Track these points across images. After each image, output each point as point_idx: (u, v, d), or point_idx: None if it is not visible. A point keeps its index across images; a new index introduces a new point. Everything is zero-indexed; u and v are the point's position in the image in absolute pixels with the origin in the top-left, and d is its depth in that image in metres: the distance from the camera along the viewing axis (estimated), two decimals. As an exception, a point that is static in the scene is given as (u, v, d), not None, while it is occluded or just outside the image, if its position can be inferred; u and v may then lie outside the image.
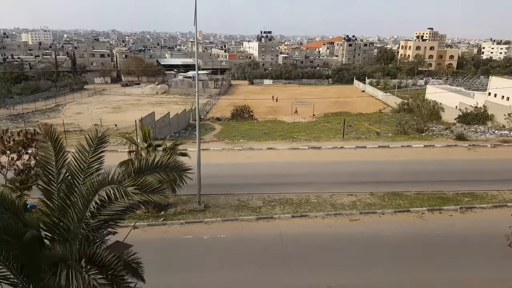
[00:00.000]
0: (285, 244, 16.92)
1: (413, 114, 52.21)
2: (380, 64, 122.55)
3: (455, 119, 46.79)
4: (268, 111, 59.85)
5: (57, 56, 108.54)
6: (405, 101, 60.14)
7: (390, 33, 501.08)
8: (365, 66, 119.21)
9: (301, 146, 32.78)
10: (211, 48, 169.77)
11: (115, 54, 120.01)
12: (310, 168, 27.06)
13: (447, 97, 56.41)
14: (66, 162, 7.65)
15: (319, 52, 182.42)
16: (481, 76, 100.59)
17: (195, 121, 24.40)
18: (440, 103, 53.67)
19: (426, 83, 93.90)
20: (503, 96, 48.82)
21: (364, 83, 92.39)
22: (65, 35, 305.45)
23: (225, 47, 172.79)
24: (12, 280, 6.34)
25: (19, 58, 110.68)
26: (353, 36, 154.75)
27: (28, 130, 21.38)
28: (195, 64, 20.08)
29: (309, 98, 72.57)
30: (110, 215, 6.86)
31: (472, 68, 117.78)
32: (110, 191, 6.42)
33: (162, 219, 18.98)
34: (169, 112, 41.85)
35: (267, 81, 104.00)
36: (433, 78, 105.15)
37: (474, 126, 43.16)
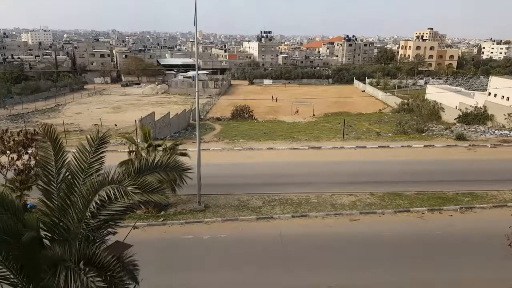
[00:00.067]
0: (285, 244, 16.91)
1: (413, 114, 52.22)
2: (380, 64, 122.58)
3: (455, 119, 46.79)
4: (268, 111, 59.85)
5: (57, 56, 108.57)
6: (405, 101, 60.15)
7: (390, 33, 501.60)
8: (365, 66, 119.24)
9: (301, 146, 32.77)
10: (211, 48, 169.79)
11: (115, 54, 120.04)
12: (310, 168, 27.05)
13: (447, 97, 56.42)
14: (65, 162, 7.66)
15: (319, 52, 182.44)
16: (481, 76, 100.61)
17: (195, 121, 24.40)
18: (440, 103, 53.68)
19: (426, 83, 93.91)
20: (503, 96, 48.83)
21: (364, 83, 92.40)
22: (65, 35, 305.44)
23: (225, 47, 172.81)
24: (12, 280, 6.34)
25: (19, 58, 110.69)
26: (353, 36, 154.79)
27: (28, 130, 21.37)
28: (195, 64, 20.08)
29: (309, 98, 72.57)
30: (110, 215, 6.86)
31: (472, 68, 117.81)
32: (110, 191, 6.42)
33: (162, 219, 18.97)
34: (169, 112, 41.85)
35: (267, 81, 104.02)
36: (433, 78, 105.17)
37: (474, 126, 43.16)
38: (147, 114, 37.53)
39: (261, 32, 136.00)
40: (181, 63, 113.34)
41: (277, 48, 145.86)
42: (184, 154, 19.34)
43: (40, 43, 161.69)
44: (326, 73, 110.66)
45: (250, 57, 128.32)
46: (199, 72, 59.06)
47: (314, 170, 26.45)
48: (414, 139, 35.18)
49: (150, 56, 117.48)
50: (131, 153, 19.90)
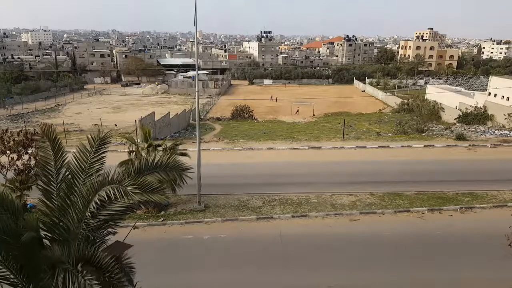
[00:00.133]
0: (285, 244, 16.91)
1: (413, 114, 52.22)
2: (380, 64, 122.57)
3: (455, 119, 46.80)
4: (268, 111, 59.86)
5: (57, 56, 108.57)
6: (405, 101, 60.16)
7: (390, 33, 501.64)
8: (365, 66, 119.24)
9: (301, 146, 32.77)
10: (211, 48, 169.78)
11: (115, 54, 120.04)
12: (310, 168, 27.05)
13: (447, 97, 56.42)
14: (65, 162, 7.64)
15: (319, 52, 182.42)
16: (481, 76, 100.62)
17: (195, 121, 24.39)
18: (440, 103, 53.68)
19: (426, 83, 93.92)
20: (503, 96, 48.83)
21: (364, 83, 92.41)
22: (65, 35, 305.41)
23: (225, 47, 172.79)
24: (12, 280, 6.34)
25: (19, 58, 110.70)
26: (353, 36, 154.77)
27: (28, 130, 21.39)
28: (195, 64, 20.08)
29: (309, 98, 72.58)
30: (110, 215, 6.84)
31: (472, 68, 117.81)
32: (110, 191, 6.41)
33: (162, 219, 18.97)
34: (169, 112, 41.85)
35: (267, 81, 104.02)
36: (433, 78, 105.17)
37: (474, 126, 43.16)
38: (147, 114, 37.53)
39: (261, 32, 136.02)
40: (181, 63, 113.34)
41: (277, 48, 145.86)
42: (184, 154, 19.34)
43: (40, 43, 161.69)
44: (326, 73, 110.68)
45: (250, 57, 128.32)
46: (199, 72, 59.06)
47: (314, 170, 26.45)
48: (414, 139, 35.18)
49: (150, 56, 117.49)
50: (131, 153, 19.91)
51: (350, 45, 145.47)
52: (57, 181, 7.43)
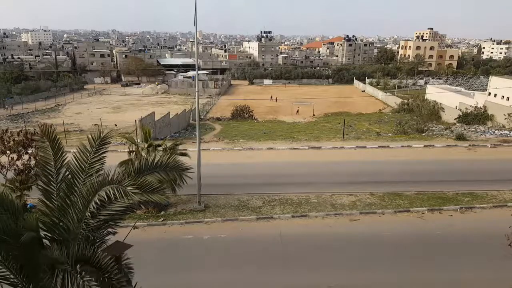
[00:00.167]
0: (285, 244, 16.91)
1: (413, 114, 52.22)
2: (380, 64, 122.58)
3: (455, 119, 46.80)
4: (268, 111, 59.86)
5: (57, 56, 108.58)
6: (405, 101, 60.16)
7: (390, 33, 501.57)
8: (365, 66, 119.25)
9: (301, 146, 32.77)
10: (211, 48, 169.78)
11: (115, 54, 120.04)
12: (310, 168, 27.05)
13: (447, 97, 56.42)
14: (65, 162, 7.64)
15: (319, 52, 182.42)
16: (481, 76, 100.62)
17: (195, 121, 24.39)
18: (440, 103, 53.68)
19: (426, 83, 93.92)
20: (503, 96, 48.82)
21: (364, 83, 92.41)
22: (65, 35, 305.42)
23: (225, 47, 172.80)
24: (12, 280, 6.33)
25: (19, 58, 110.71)
26: (353, 36, 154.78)
27: (28, 130, 21.38)
28: (195, 64, 20.08)
29: (309, 98, 72.57)
30: (110, 215, 6.84)
31: (472, 68, 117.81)
32: (110, 191, 6.41)
33: (162, 219, 18.97)
34: (169, 112, 41.85)
35: (267, 81, 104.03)
36: (433, 78, 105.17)
37: (474, 126, 43.16)
38: (147, 114, 37.52)
39: (261, 32, 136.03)
40: (181, 63, 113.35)
41: (277, 48, 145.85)
42: (184, 154, 19.34)
43: (40, 43, 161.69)
44: (326, 73, 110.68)
45: (250, 57, 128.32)
46: (199, 72, 59.05)
47: (314, 170, 26.45)
48: (414, 139, 35.18)
49: (150, 56, 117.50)
50: (131, 153, 19.92)
51: (350, 45, 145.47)
52: (57, 181, 7.43)
